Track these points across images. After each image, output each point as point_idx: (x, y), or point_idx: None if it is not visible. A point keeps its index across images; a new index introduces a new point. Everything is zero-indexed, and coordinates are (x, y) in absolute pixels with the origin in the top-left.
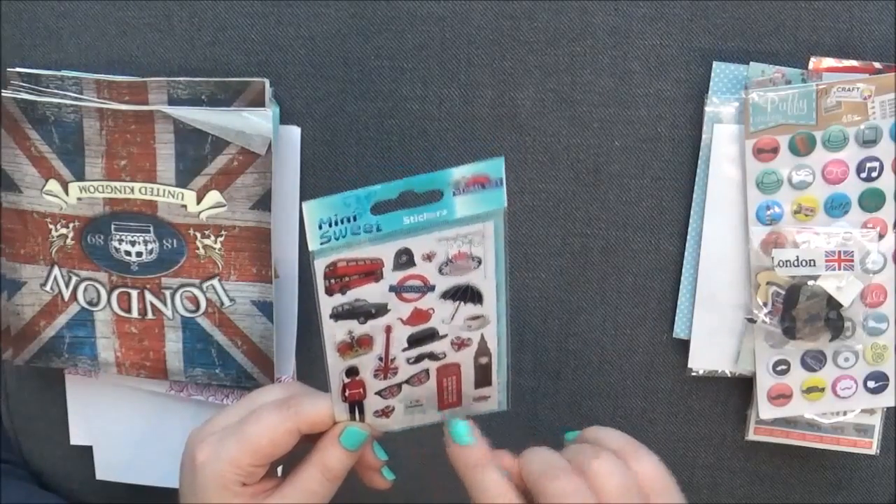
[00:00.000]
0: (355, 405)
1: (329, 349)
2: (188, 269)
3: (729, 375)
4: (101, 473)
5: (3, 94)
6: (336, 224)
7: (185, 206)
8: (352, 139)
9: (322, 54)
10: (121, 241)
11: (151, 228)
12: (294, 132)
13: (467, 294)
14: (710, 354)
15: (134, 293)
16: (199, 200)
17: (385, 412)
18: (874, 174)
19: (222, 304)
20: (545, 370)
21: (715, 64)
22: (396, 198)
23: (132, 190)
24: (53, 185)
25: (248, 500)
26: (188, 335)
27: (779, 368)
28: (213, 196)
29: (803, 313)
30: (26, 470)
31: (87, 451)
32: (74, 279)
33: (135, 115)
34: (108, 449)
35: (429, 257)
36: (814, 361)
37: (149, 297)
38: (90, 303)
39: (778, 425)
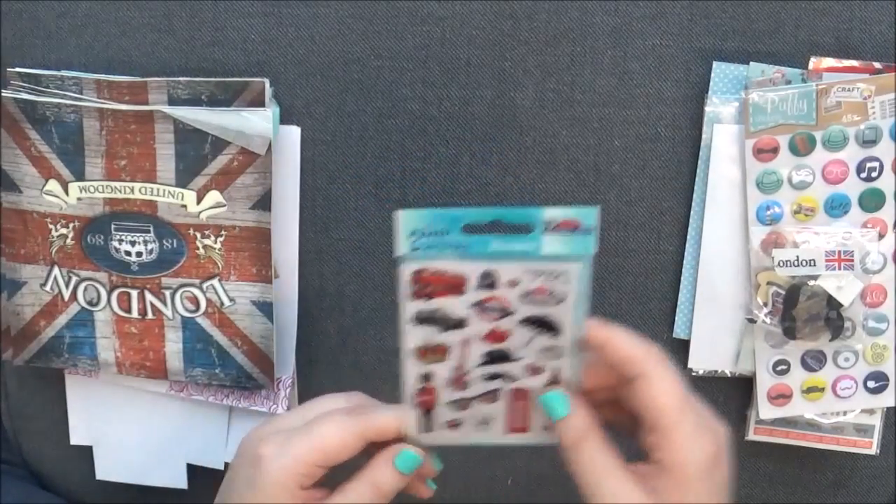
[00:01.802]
0: (426, 413)
1: (407, 352)
2: (188, 269)
3: (729, 375)
4: (101, 473)
5: (3, 94)
6: (426, 235)
7: (185, 207)
8: (352, 139)
9: (322, 54)
10: (121, 241)
11: (151, 228)
12: (294, 132)
13: (546, 325)
14: (710, 354)
15: (134, 293)
16: (199, 200)
17: (453, 424)
18: (874, 174)
19: (222, 304)
20: None
21: (715, 64)
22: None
23: (132, 190)
24: (53, 185)
25: (302, 502)
26: (188, 335)
27: (779, 368)
28: (213, 196)
29: (803, 313)
30: (26, 470)
31: (87, 451)
32: (74, 279)
33: (135, 115)
34: (108, 449)
35: (512, 284)
36: (814, 361)
37: (149, 297)
38: (90, 303)
39: (778, 425)
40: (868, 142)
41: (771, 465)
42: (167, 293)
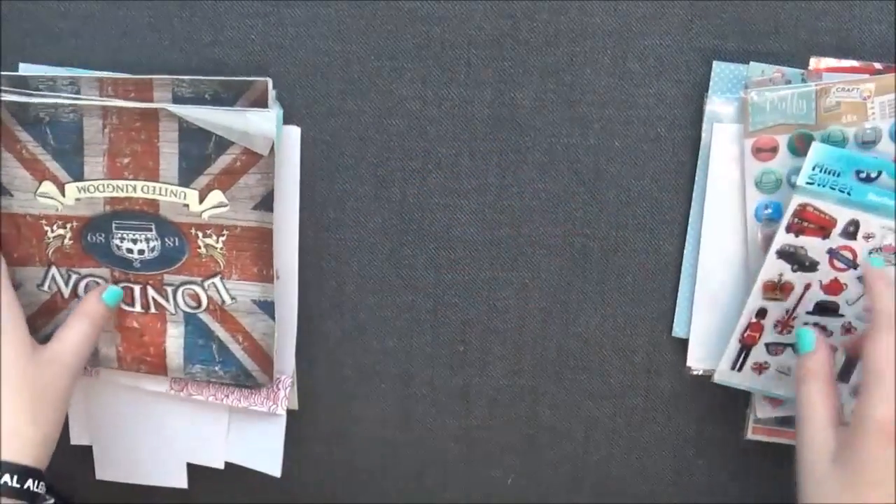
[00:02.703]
0: (744, 349)
1: (758, 283)
2: (190, 267)
3: None
4: (101, 473)
5: None
6: (824, 172)
7: (187, 206)
8: (352, 139)
9: (322, 54)
10: (122, 239)
11: (153, 227)
12: (294, 132)
13: None
14: (708, 353)
15: (136, 288)
16: (201, 200)
17: (761, 367)
18: (873, 175)
19: (223, 301)
20: (545, 370)
21: (715, 64)
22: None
23: (134, 188)
24: (48, 187)
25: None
26: (190, 330)
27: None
28: (216, 196)
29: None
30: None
31: (87, 451)
32: (74, 276)
33: (140, 112)
34: (108, 449)
35: (867, 237)
36: None
37: (151, 292)
38: None
39: (776, 425)
40: (867, 142)
41: (770, 465)
42: (169, 290)
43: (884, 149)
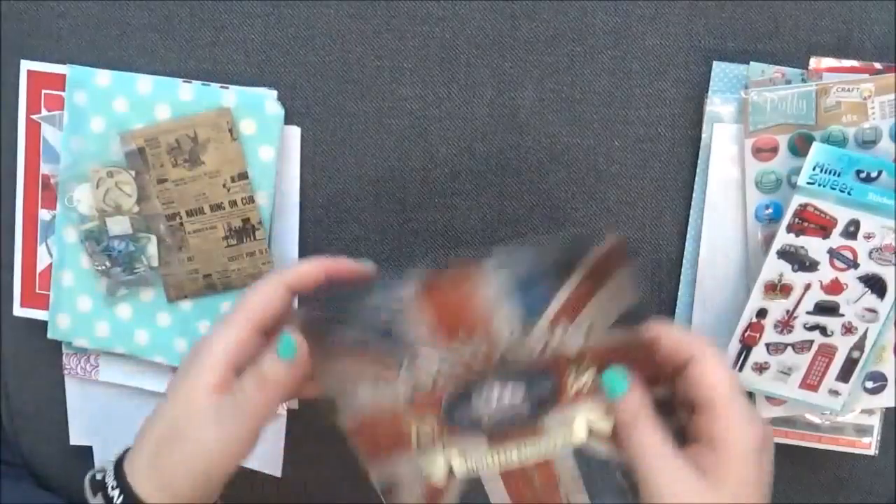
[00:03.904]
0: (744, 350)
1: (759, 283)
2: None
3: None
4: None
5: None
6: (825, 172)
7: None
8: (352, 139)
9: (322, 54)
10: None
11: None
12: (294, 132)
13: (877, 285)
14: None
15: None
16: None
17: (761, 367)
18: (873, 175)
19: None
20: None
21: (715, 64)
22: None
23: None
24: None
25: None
26: None
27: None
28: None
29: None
30: (26, 470)
31: (87, 451)
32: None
33: None
34: (108, 449)
35: (868, 237)
36: None
37: None
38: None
39: (777, 425)
40: (868, 142)
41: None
42: None
43: (884, 149)
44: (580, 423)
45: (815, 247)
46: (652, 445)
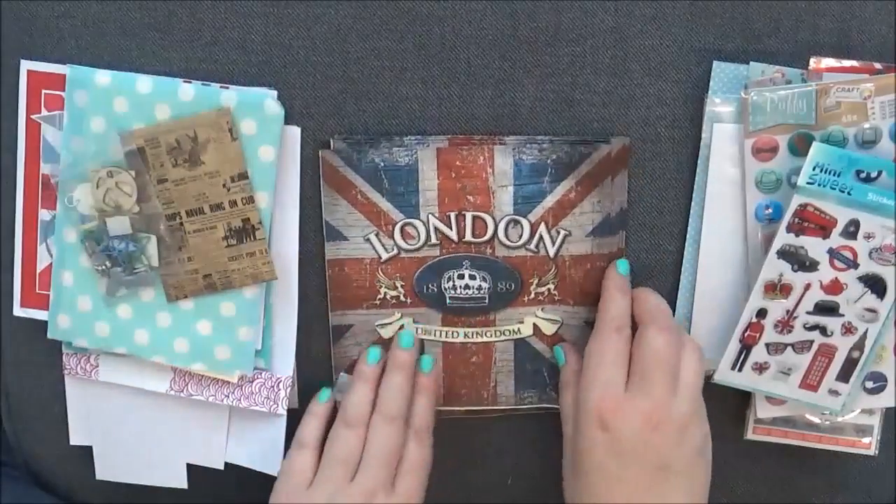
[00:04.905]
0: (744, 349)
1: (759, 283)
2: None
3: None
4: (101, 473)
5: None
6: (824, 172)
7: None
8: (352, 139)
9: (322, 54)
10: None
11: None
12: (294, 132)
13: (877, 285)
14: (709, 354)
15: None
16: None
17: (761, 367)
18: (873, 175)
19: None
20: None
21: (715, 64)
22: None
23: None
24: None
25: None
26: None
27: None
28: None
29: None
30: (26, 470)
31: (86, 451)
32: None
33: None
34: (108, 449)
35: (868, 237)
36: None
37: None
38: None
39: (777, 425)
40: (867, 142)
41: (770, 465)
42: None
43: (884, 149)
44: (528, 322)
45: (814, 247)
46: (572, 405)
